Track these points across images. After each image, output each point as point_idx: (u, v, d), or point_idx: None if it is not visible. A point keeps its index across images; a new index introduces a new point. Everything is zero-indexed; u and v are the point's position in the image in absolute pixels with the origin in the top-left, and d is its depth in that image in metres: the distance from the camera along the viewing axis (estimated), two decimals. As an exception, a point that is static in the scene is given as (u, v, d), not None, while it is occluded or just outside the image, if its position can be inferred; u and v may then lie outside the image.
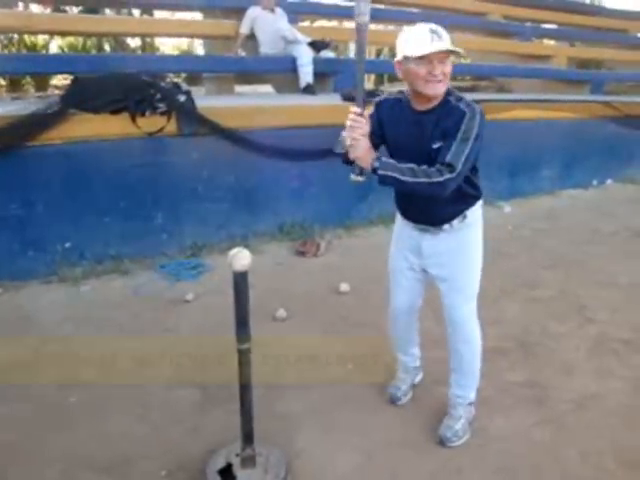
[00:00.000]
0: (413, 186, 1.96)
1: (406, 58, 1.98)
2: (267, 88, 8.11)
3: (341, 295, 3.80)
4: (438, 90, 1.99)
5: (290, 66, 6.22)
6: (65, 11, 11.36)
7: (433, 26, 1.95)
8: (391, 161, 1.99)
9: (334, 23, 10.36)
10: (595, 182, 7.46)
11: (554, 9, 11.11)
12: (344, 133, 2.03)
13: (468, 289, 2.31)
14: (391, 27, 11.11)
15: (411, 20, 10.18)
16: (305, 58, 6.16)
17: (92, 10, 10.82)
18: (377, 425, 2.46)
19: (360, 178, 2.04)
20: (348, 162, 2.08)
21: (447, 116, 2.01)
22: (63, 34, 11.35)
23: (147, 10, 11.22)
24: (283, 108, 4.95)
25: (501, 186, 6.16)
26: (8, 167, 3.71)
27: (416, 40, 1.94)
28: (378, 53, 15.18)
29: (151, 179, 4.21)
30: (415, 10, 9.70)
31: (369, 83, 11.83)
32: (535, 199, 6.58)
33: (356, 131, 1.98)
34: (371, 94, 5.39)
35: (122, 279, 3.95)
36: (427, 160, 2.02)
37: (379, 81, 13.85)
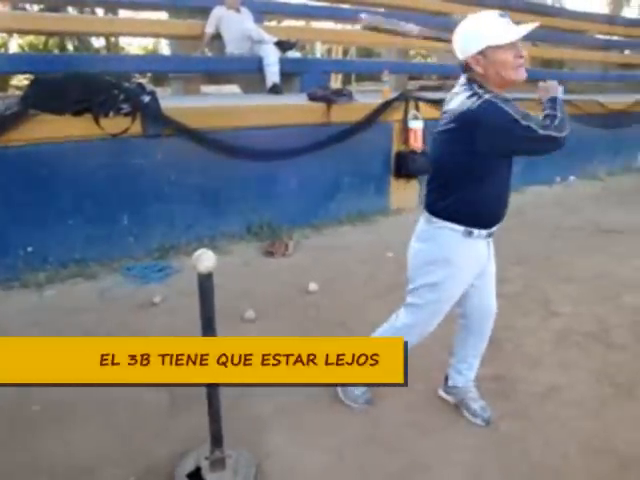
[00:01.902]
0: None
1: (487, 49, 1.92)
2: (234, 88, 8.07)
3: (310, 295, 3.80)
4: (525, 74, 2.00)
5: (256, 66, 6.22)
6: (25, 9, 11.10)
7: (498, 11, 1.93)
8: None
9: (301, 23, 10.37)
10: (558, 179, 7.62)
11: (517, 9, 11.29)
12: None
13: None
14: (357, 27, 11.16)
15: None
16: (271, 58, 6.17)
17: (53, 8, 10.59)
18: (346, 425, 2.46)
19: None
20: None
21: None
22: (23, 33, 11.11)
23: (111, 9, 11.04)
24: (249, 108, 4.92)
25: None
26: (-34, 170, 3.61)
27: (495, 28, 1.90)
28: (345, 52, 15.22)
29: (116, 181, 4.14)
30: (380, 10, 9.75)
31: (336, 82, 11.85)
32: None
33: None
34: (338, 93, 5.43)
35: (88, 283, 3.88)
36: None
37: (347, 80, 13.89)
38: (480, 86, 1.98)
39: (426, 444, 2.35)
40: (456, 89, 2.06)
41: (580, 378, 2.86)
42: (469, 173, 2.03)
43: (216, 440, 2.03)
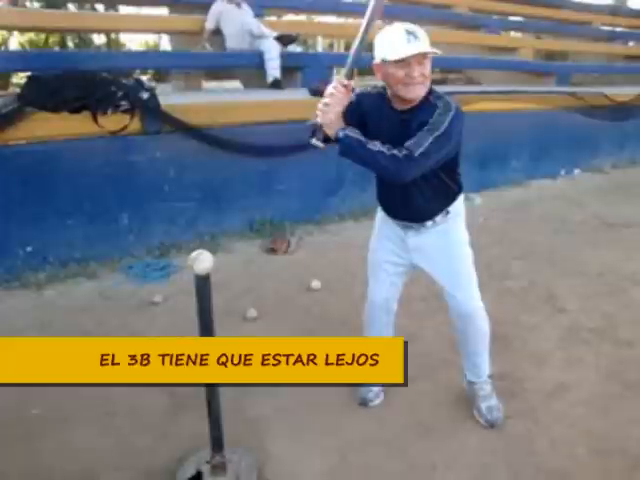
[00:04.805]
0: (373, 154, 1.90)
1: (384, 61, 1.94)
2: (236, 84, 8.02)
3: (312, 292, 3.76)
4: (417, 93, 1.96)
5: (257, 61, 6.15)
6: (25, 6, 11.06)
7: (409, 26, 1.91)
8: (356, 132, 1.95)
9: (302, 17, 10.29)
10: (563, 172, 7.54)
11: (519, 2, 11.20)
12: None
13: (464, 282, 2.32)
14: (350, 20, 11.08)
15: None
16: (272, 52, 6.09)
17: (54, 5, 10.54)
18: (349, 425, 2.42)
19: (319, 144, 2.01)
20: (314, 132, 2.02)
21: (425, 114, 1.97)
22: (23, 30, 11.08)
23: (112, 5, 10.97)
24: (250, 104, 4.88)
25: (471, 178, 6.13)
26: (-36, 169, 3.58)
27: (392, 42, 1.90)
28: (347, 47, 15.12)
29: (116, 179, 4.10)
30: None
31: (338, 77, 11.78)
32: (505, 190, 6.62)
33: (334, 98, 1.94)
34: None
35: (88, 282, 3.85)
36: None
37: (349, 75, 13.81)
38: (385, 88, 2.10)
39: (431, 445, 2.31)
40: None
41: (588, 376, 2.81)
42: None
43: (216, 444, 1.99)
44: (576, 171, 7.68)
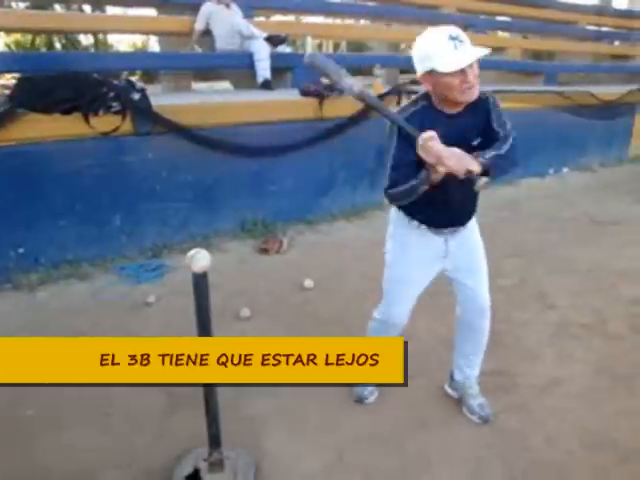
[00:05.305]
0: (508, 157, 1.94)
1: (432, 72, 1.88)
2: (226, 84, 8.01)
3: (305, 291, 3.77)
4: (474, 95, 1.92)
5: (247, 62, 6.15)
6: (10, 6, 10.98)
7: (451, 30, 1.84)
8: (485, 151, 1.91)
9: (291, 18, 10.29)
10: (552, 171, 7.61)
11: (506, 2, 11.27)
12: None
13: (486, 277, 2.35)
14: (348, 21, 11.11)
15: (367, 14, 10.12)
16: (262, 53, 6.10)
17: (40, 5, 10.45)
18: (346, 423, 2.44)
19: (481, 180, 1.85)
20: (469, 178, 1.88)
21: (478, 109, 1.99)
22: (9, 31, 10.99)
23: (99, 6, 10.91)
24: (240, 104, 4.88)
25: (461, 177, 6.20)
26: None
27: (440, 52, 1.83)
28: (336, 47, 15.17)
29: (107, 180, 4.09)
30: (370, 4, 9.71)
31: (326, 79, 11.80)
32: (495, 189, 6.64)
33: (435, 147, 1.82)
34: (330, 87, 5.39)
35: (81, 284, 3.84)
36: None
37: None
38: (425, 97, 2.03)
39: (427, 440, 2.34)
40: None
41: (579, 370, 2.85)
42: None
43: (214, 441, 2.00)
44: (565, 170, 7.75)
